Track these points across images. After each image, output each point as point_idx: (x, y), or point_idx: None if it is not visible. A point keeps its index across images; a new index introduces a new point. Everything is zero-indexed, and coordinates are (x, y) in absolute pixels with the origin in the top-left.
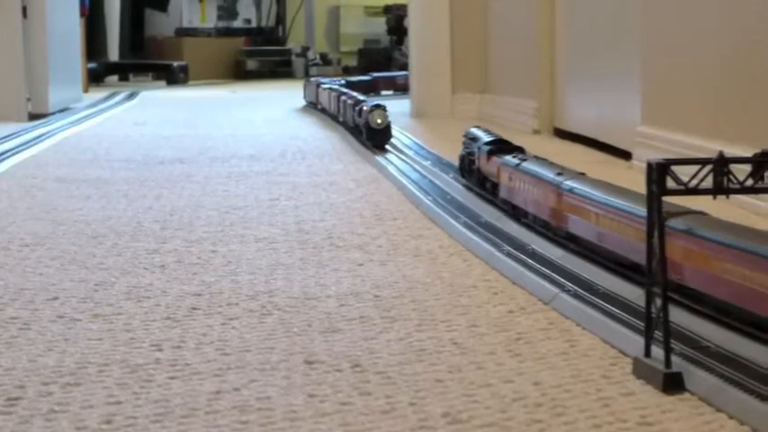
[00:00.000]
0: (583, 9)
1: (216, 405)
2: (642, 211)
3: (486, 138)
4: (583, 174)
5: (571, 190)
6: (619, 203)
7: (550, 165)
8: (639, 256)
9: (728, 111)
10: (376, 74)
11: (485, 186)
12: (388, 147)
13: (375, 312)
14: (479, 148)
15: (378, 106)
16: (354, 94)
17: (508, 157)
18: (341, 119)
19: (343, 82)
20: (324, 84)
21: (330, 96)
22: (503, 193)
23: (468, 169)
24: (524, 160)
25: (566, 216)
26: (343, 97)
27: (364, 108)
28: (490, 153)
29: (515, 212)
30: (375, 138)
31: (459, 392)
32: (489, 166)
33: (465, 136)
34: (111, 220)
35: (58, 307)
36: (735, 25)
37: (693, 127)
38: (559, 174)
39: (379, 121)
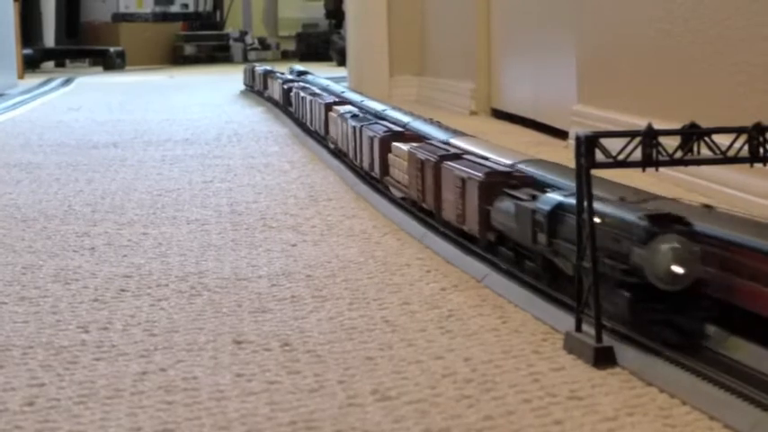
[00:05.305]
0: None
1: (141, 386)
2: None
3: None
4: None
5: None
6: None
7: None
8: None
9: (660, 89)
10: None
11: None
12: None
13: (306, 292)
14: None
15: (670, 221)
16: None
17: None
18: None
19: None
20: (344, 112)
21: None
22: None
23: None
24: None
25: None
26: (451, 167)
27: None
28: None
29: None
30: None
31: (389, 370)
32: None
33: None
34: (41, 204)
35: None
36: (667, 6)
37: (628, 105)
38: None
39: (680, 270)
